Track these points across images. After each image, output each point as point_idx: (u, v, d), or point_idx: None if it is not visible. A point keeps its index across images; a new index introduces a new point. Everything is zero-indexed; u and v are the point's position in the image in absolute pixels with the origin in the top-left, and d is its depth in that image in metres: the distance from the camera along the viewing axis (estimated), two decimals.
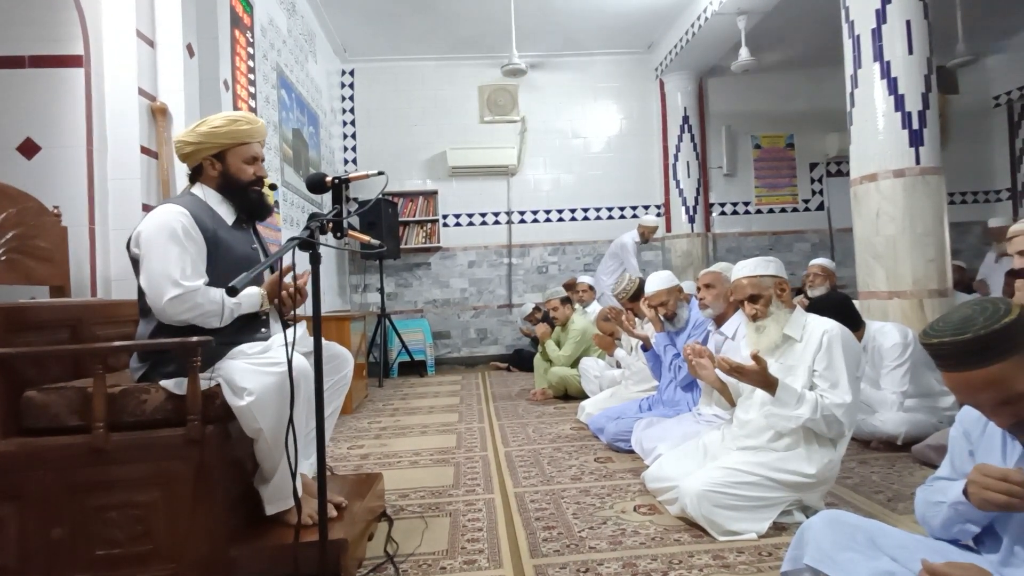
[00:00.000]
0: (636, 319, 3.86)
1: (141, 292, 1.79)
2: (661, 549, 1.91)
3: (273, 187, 2.02)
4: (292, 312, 1.79)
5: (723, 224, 7.18)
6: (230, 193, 1.94)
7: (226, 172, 1.92)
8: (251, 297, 1.83)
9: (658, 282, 3.22)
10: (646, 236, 6.05)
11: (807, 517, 1.92)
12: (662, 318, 3.20)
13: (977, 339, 1.03)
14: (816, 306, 2.81)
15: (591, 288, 5.46)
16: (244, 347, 1.79)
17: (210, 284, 1.78)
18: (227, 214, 1.93)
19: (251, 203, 1.97)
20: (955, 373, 1.08)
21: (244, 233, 1.99)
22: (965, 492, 1.13)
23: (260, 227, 2.15)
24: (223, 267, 1.83)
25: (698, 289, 2.89)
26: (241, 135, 1.91)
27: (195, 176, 1.95)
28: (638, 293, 3.80)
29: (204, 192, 1.92)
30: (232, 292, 1.39)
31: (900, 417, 2.84)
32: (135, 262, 1.80)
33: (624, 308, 3.92)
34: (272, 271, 1.91)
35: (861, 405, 2.80)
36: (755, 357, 1.99)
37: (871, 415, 2.90)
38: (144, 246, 1.75)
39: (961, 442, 1.27)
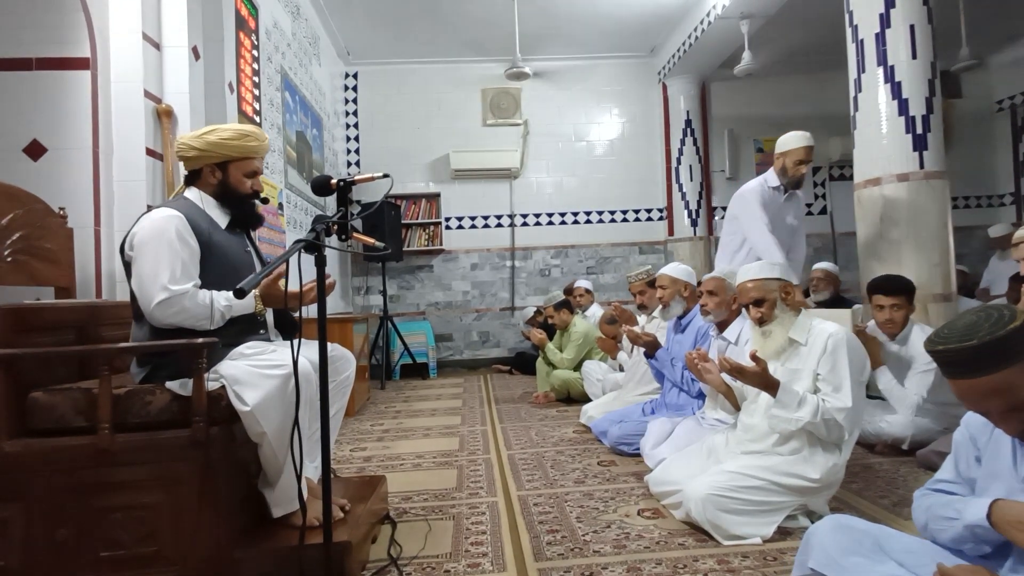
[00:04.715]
0: (642, 318, 3.85)
1: (134, 296, 1.79)
2: (665, 553, 1.90)
3: (265, 200, 2.04)
4: (297, 313, 1.80)
5: None
6: (226, 202, 1.95)
7: (225, 182, 1.93)
8: (243, 300, 1.83)
9: (671, 269, 3.22)
10: (790, 171, 3.27)
11: (812, 522, 1.91)
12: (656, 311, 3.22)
13: (982, 346, 1.03)
14: (891, 283, 2.99)
15: (588, 292, 5.47)
16: (243, 348, 1.79)
17: (205, 287, 1.79)
18: (221, 218, 1.94)
19: (244, 214, 1.99)
20: (961, 380, 1.07)
21: (238, 237, 2.00)
22: (989, 518, 1.10)
23: (264, 229, 2.16)
24: (218, 270, 1.84)
25: (700, 295, 2.88)
26: (248, 151, 1.93)
27: (192, 179, 1.96)
28: (654, 280, 3.71)
29: (200, 197, 1.93)
30: (240, 294, 1.40)
31: (907, 421, 2.83)
32: (128, 266, 1.80)
33: (636, 293, 3.90)
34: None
35: (876, 402, 2.79)
36: (754, 357, 1.98)
37: (886, 412, 2.90)
38: (137, 249, 1.76)
39: (967, 447, 1.26)
